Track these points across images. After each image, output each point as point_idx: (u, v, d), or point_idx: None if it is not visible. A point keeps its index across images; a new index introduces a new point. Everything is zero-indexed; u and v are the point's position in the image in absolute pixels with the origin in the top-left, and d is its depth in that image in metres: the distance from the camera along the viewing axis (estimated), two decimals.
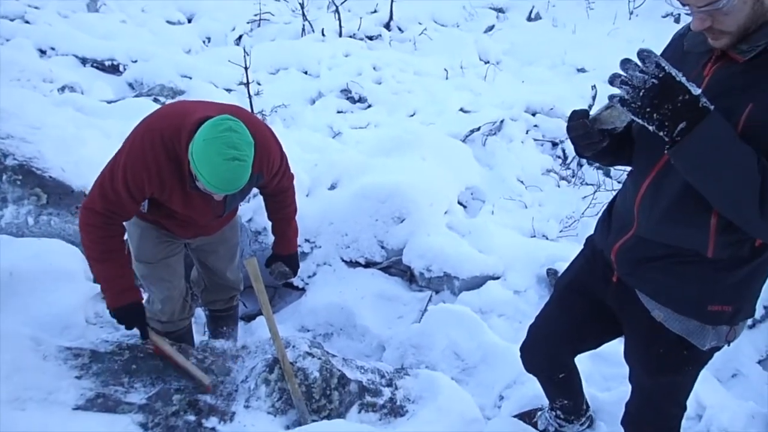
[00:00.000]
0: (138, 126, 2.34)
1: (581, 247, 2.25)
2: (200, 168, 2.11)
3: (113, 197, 2.28)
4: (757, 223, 1.47)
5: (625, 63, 1.44)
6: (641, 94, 1.42)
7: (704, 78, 1.58)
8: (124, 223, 2.46)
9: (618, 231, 1.89)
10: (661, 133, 1.45)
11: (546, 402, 2.69)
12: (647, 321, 1.88)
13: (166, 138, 2.23)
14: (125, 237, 2.52)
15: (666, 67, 1.41)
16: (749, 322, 3.38)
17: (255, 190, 2.75)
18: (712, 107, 1.42)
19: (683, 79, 1.41)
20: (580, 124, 1.71)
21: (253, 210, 3.99)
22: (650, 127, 1.45)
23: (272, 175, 2.56)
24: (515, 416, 2.80)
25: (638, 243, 1.81)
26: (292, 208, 2.87)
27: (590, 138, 1.73)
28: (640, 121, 1.45)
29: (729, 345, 1.89)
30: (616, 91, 1.47)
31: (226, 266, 3.01)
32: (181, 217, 2.52)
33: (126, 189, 2.26)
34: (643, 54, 1.43)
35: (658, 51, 1.58)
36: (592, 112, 1.73)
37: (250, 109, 5.71)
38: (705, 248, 1.65)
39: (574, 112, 1.75)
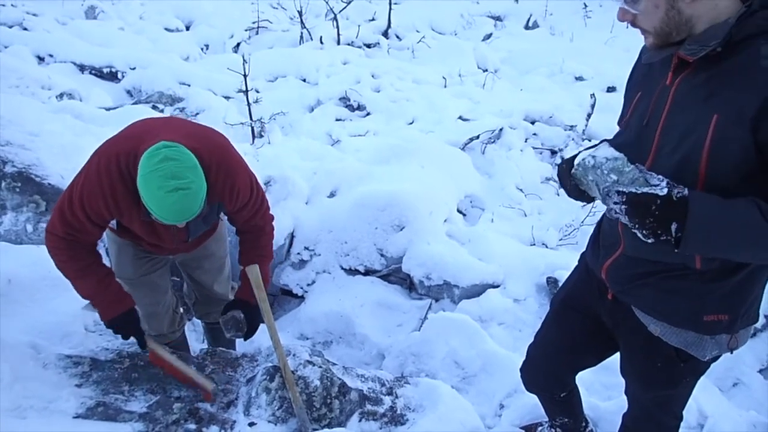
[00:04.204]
0: (99, 147, 2.22)
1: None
2: (147, 203, 2.02)
3: (73, 222, 2.19)
4: None
5: (605, 199, 1.50)
6: (625, 220, 1.48)
7: (670, 91, 1.59)
8: (105, 237, 2.36)
9: (607, 250, 1.89)
10: (662, 239, 1.47)
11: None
12: (644, 336, 1.87)
13: (122, 163, 2.11)
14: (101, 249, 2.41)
15: (625, 191, 1.45)
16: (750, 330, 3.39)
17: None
18: (686, 192, 1.44)
19: (644, 190, 1.44)
20: (569, 179, 1.70)
21: None
22: (650, 241, 1.47)
23: (239, 208, 2.38)
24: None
25: (627, 261, 1.81)
26: (266, 253, 2.61)
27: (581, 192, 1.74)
28: (641, 236, 1.49)
29: (732, 353, 1.88)
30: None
31: (213, 280, 2.89)
32: (149, 240, 2.42)
33: (84, 214, 2.16)
34: (605, 191, 1.49)
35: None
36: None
37: (249, 117, 5.69)
38: (692, 261, 1.65)
39: (563, 164, 1.73)
